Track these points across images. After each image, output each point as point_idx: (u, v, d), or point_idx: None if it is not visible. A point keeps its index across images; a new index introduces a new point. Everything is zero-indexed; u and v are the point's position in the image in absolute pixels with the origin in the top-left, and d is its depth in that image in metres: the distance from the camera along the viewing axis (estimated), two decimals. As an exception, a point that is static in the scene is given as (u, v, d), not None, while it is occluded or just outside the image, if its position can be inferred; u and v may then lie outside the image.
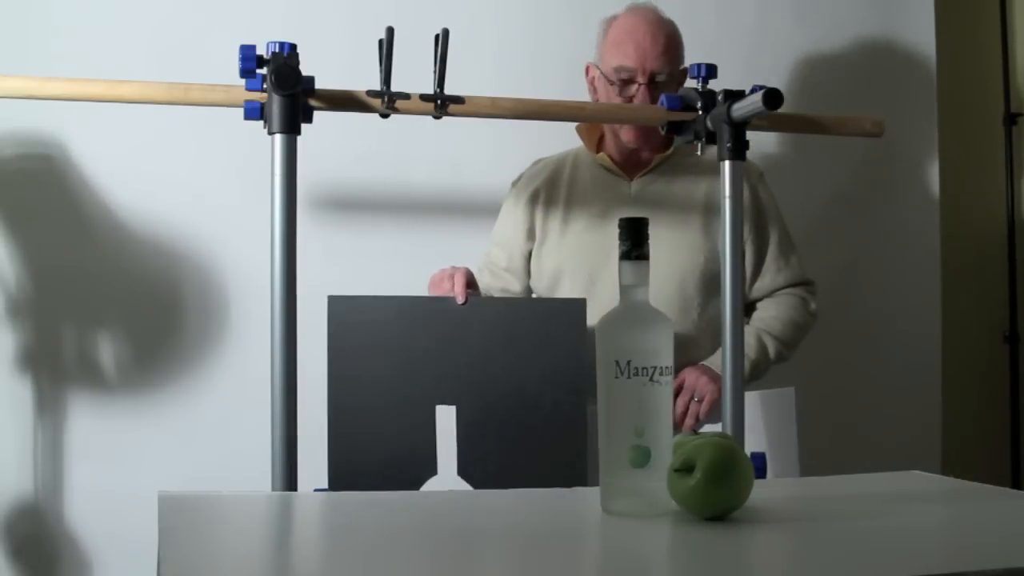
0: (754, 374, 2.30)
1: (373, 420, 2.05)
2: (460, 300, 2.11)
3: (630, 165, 2.38)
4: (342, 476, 2.01)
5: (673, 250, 2.28)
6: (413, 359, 2.08)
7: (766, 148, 2.67)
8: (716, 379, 2.21)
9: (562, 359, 2.10)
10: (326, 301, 2.07)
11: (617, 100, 2.29)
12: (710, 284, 2.27)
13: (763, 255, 2.38)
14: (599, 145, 2.41)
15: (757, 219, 2.37)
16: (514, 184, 2.43)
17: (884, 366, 2.91)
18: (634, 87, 2.28)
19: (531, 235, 2.38)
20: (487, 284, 2.37)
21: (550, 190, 2.38)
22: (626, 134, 2.34)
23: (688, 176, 2.35)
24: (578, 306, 2.13)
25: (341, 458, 2.02)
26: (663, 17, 2.34)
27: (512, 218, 2.40)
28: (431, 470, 2.04)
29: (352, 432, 2.03)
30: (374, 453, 2.04)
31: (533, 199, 2.38)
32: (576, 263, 2.32)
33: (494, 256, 2.42)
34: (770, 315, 2.37)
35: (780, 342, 2.35)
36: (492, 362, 2.10)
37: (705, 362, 2.29)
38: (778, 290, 2.39)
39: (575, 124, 2.40)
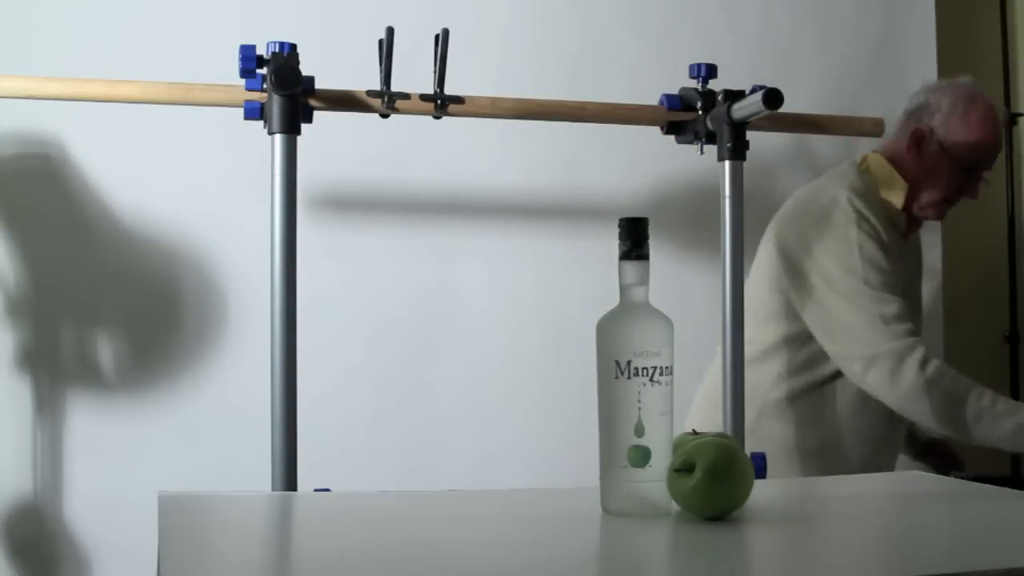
0: None
1: None
2: None
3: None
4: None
5: (915, 307, 2.37)
6: None
7: (767, 148, 2.67)
8: None
9: None
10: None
11: (948, 176, 2.29)
12: None
13: None
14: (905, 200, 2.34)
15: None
16: (862, 217, 2.25)
17: (884, 366, 2.90)
18: (977, 177, 2.31)
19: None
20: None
21: (884, 236, 2.28)
22: (935, 212, 2.35)
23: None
24: None
25: None
26: None
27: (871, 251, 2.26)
28: None
29: None
30: None
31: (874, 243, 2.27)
32: None
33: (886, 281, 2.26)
34: None
35: None
36: None
37: None
38: None
39: (872, 169, 2.35)
